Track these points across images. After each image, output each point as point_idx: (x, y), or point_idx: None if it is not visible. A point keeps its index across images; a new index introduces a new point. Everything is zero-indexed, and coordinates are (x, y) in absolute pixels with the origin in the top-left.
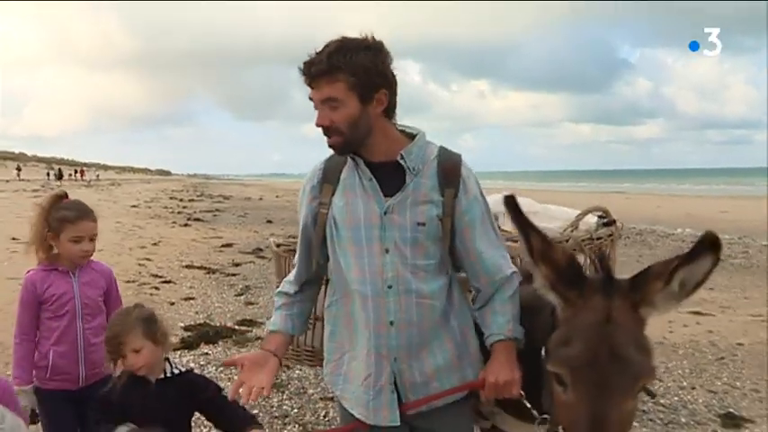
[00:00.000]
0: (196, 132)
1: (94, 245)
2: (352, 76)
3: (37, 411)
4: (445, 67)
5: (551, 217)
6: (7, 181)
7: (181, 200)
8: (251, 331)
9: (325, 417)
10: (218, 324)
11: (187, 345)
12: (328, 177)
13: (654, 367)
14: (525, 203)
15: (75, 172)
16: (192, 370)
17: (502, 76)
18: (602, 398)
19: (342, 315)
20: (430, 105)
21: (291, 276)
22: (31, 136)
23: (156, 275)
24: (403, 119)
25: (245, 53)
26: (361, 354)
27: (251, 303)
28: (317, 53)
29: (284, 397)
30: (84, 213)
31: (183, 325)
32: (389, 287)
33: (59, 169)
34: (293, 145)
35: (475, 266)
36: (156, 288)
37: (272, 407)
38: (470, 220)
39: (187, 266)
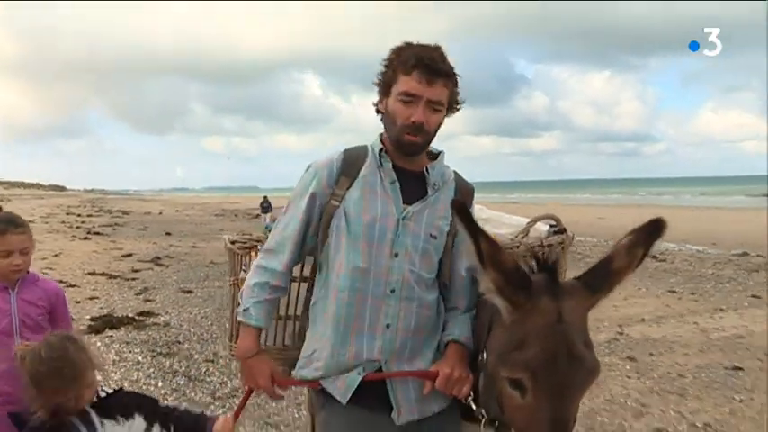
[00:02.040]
0: (92, 145)
1: (28, 258)
2: (455, 87)
3: None
4: (346, 80)
5: (502, 224)
6: None
7: (79, 215)
8: (148, 320)
9: (206, 372)
10: (120, 315)
11: (94, 330)
12: (347, 170)
13: (599, 363)
14: (476, 210)
15: None
16: (122, 388)
17: None
18: (563, 398)
19: (333, 310)
20: (331, 118)
21: (278, 265)
22: None
23: (61, 281)
24: (306, 132)
25: (141, 62)
26: (349, 353)
27: (149, 300)
28: (429, 49)
29: (174, 360)
30: (11, 225)
31: (89, 317)
32: (392, 291)
33: None
34: (194, 159)
35: (459, 288)
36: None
37: (165, 367)
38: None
39: (90, 273)
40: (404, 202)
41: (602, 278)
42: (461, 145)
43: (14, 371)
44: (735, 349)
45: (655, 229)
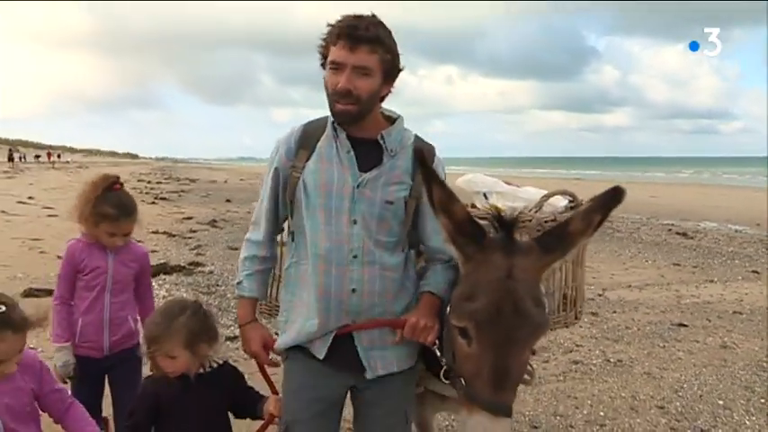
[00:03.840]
0: (164, 116)
1: (128, 237)
2: (387, 53)
3: (77, 366)
4: (412, 52)
5: (516, 197)
6: None
7: (149, 182)
8: (196, 269)
9: (233, 305)
10: (174, 264)
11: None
12: (305, 143)
13: (548, 321)
14: (491, 182)
15: (37, 156)
16: (227, 361)
17: (470, 62)
18: (505, 349)
19: (302, 276)
20: (398, 90)
21: (260, 236)
22: None
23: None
24: None
25: (210, 35)
26: (319, 319)
27: (200, 254)
28: (354, 18)
29: (211, 297)
30: (124, 214)
31: None
32: (354, 257)
33: (10, 150)
34: (262, 129)
35: (430, 246)
36: None
37: (202, 301)
38: None
39: (153, 232)
40: (360, 170)
41: (556, 240)
42: (529, 119)
43: (101, 322)
44: (694, 311)
45: (613, 196)
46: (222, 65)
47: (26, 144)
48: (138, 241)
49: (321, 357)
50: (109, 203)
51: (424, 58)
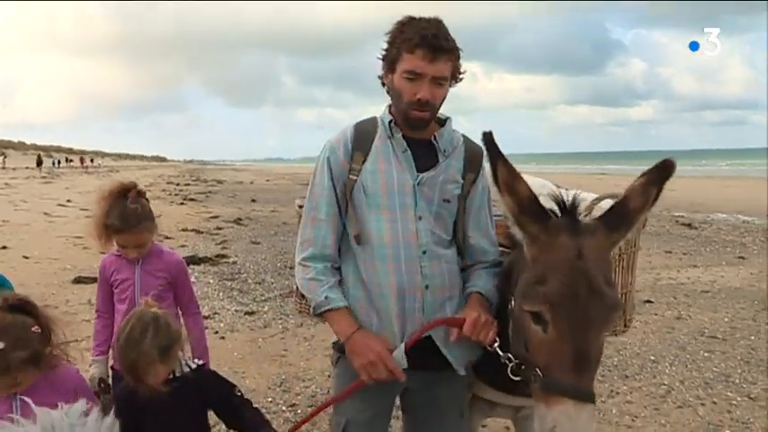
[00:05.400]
0: (190, 119)
1: (145, 249)
2: (457, 60)
3: (108, 382)
4: None
5: None
6: (24, 169)
7: (177, 184)
8: (222, 260)
9: (252, 288)
10: (202, 256)
11: None
12: (360, 145)
13: (621, 302)
14: (538, 185)
15: (68, 160)
16: (204, 365)
17: (494, 58)
18: (584, 332)
19: (364, 279)
20: None
21: (328, 250)
22: (20, 124)
23: (160, 234)
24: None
25: (231, 37)
26: (386, 317)
27: (225, 248)
28: (428, 24)
29: (234, 283)
30: (127, 226)
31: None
32: (424, 252)
33: (39, 155)
34: (288, 130)
35: (471, 246)
36: (160, 242)
37: (226, 286)
38: (478, 205)
39: (183, 230)
40: (417, 170)
41: (620, 217)
42: (555, 114)
43: None
44: (665, 291)
45: (665, 169)
46: (245, 67)
47: (59, 150)
48: (168, 237)
49: (405, 366)
50: (113, 215)
51: None
